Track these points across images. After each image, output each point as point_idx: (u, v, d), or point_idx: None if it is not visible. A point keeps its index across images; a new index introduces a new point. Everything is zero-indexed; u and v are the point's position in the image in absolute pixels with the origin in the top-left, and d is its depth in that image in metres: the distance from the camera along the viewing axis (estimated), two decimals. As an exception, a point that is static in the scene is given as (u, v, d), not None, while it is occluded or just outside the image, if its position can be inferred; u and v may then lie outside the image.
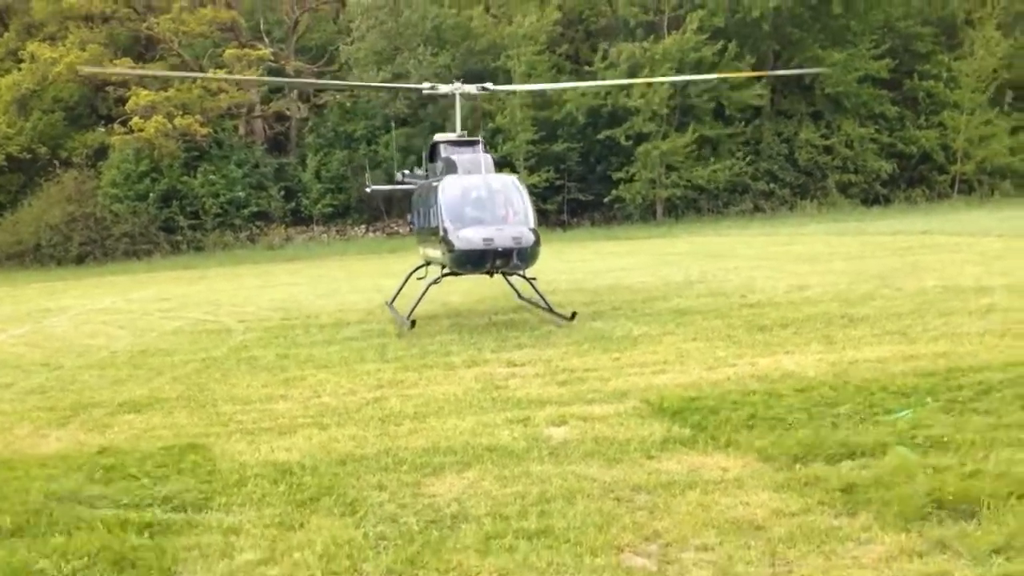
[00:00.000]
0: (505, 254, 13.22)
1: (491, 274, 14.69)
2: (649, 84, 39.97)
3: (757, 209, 43.17)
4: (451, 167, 14.79)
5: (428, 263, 16.14)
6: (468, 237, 13.17)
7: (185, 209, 42.60)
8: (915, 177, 44.79)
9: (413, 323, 14.27)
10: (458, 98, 16.17)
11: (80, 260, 40.92)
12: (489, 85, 17.28)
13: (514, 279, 16.36)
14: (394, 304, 16.79)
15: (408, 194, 18.96)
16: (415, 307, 14.71)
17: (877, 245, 23.78)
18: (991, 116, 43.25)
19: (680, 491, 5.93)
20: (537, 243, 13.52)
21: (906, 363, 9.36)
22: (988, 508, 5.16)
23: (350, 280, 24.77)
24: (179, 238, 42.59)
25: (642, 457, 6.75)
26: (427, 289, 15.02)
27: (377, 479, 6.59)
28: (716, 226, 38.31)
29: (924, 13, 45.11)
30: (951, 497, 5.39)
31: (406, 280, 16.95)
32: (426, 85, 16.86)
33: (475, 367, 10.99)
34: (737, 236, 32.55)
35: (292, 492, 6.39)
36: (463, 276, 14.93)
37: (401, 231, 44.93)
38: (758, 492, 5.83)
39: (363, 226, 45.62)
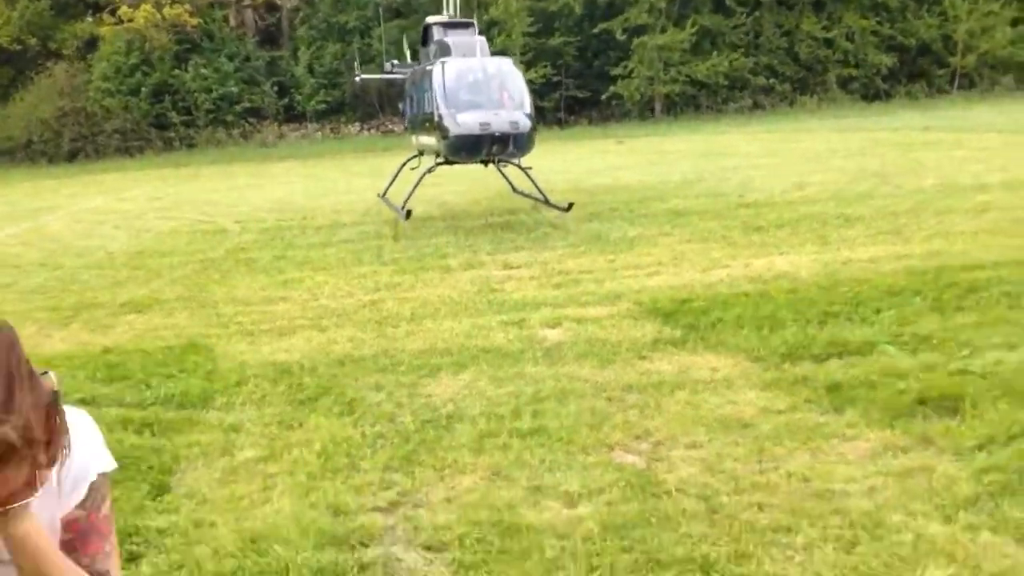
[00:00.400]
0: (502, 140, 13.01)
1: (487, 163, 14.53)
2: None
3: (756, 106, 42.63)
4: (445, 50, 14.39)
5: (421, 152, 15.97)
6: (464, 122, 12.91)
7: (177, 105, 42.02)
8: (916, 71, 44.09)
9: (409, 212, 14.24)
10: None
11: (71, 157, 40.58)
12: None
13: (508, 170, 16.23)
14: (387, 196, 16.75)
15: (399, 86, 18.68)
16: (410, 196, 14.66)
17: (877, 142, 23.59)
18: (993, 6, 42.27)
19: (670, 391, 6.06)
20: (534, 129, 13.39)
21: (898, 262, 9.43)
22: (972, 406, 5.29)
23: (345, 180, 24.65)
24: (171, 135, 42.13)
25: (634, 358, 6.87)
26: (421, 178, 14.94)
27: (375, 380, 6.72)
28: (715, 124, 37.89)
29: None
30: (936, 395, 5.51)
31: (399, 171, 16.87)
32: None
33: (471, 269, 11.06)
34: (736, 134, 32.23)
35: (292, 392, 6.52)
36: (458, 166, 14.83)
37: (396, 129, 44.26)
38: (746, 391, 5.96)
39: (357, 123, 45.08)
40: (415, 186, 14.87)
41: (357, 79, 21.58)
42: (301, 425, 5.84)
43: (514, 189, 16.75)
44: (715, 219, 13.44)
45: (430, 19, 16.31)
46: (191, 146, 41.69)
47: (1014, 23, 42.78)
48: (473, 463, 5.04)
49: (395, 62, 20.70)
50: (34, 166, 39.35)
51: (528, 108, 13.56)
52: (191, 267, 12.34)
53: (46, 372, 1.53)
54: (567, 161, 24.88)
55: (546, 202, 14.95)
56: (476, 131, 12.90)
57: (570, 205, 14.41)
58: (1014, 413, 5.13)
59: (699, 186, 17.56)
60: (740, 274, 9.57)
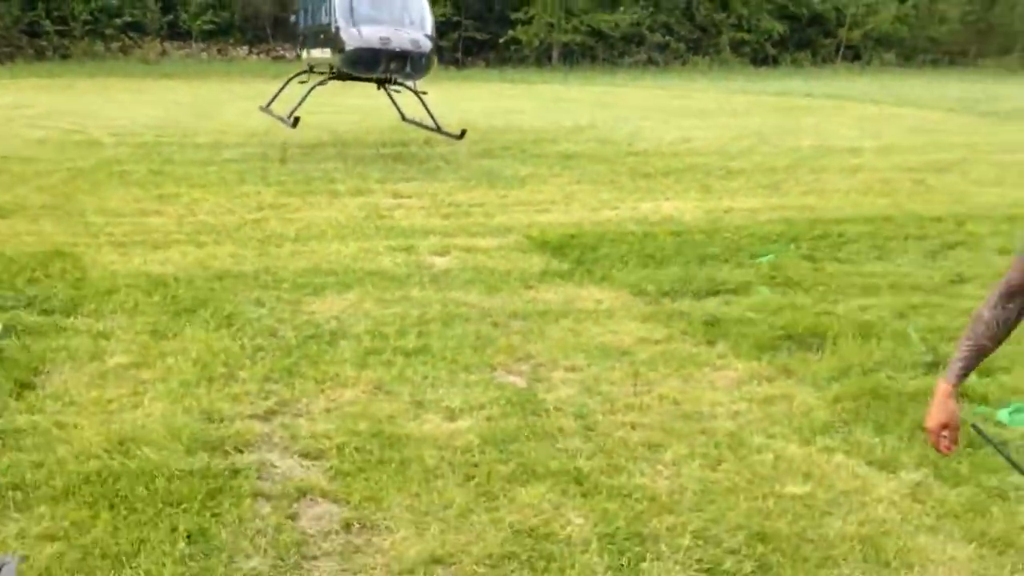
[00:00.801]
0: (401, 56, 12.72)
1: (381, 83, 14.18)
2: None
3: (651, 62, 43.17)
4: None
5: (311, 68, 15.49)
6: (364, 34, 12.57)
7: (52, 13, 39.40)
8: (804, 40, 45.48)
9: (296, 120, 13.86)
10: None
11: (-68, 62, 37.65)
12: None
13: (401, 98, 15.94)
14: (270, 108, 16.22)
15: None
16: (298, 105, 14.24)
17: (761, 104, 24.30)
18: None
19: (554, 319, 6.15)
20: (434, 52, 13.18)
21: (774, 212, 9.80)
22: (833, 341, 5.58)
23: (231, 102, 23.74)
24: (44, 43, 39.57)
25: (520, 287, 6.93)
26: (312, 88, 14.54)
27: (256, 295, 6.57)
28: (610, 76, 38.18)
29: None
30: (800, 331, 5.80)
31: (284, 85, 16.36)
32: None
33: (360, 196, 10.88)
34: (630, 87, 32.59)
35: (166, 303, 6.31)
36: (354, 92, 14.46)
37: (287, 55, 42.84)
38: (627, 322, 6.11)
39: (246, 47, 43.41)
40: (304, 96, 14.46)
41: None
42: (176, 336, 5.66)
43: (403, 117, 16.43)
44: (604, 163, 13.61)
45: None
46: (65, 57, 39.26)
47: (899, 2, 44.52)
48: (355, 377, 5.01)
49: None
50: None
51: (429, 30, 13.30)
52: (59, 176, 11.69)
53: None
54: (462, 100, 24.64)
55: (438, 130, 14.78)
56: (375, 45, 12.54)
57: (463, 132, 14.31)
58: (868, 350, 5.44)
59: (590, 132, 17.73)
60: (627, 216, 9.75)
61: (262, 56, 42.94)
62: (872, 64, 43.82)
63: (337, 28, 12.85)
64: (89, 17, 39.71)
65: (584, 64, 42.56)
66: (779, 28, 44.12)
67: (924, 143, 15.72)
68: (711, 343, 5.71)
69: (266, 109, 16.26)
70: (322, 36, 13.65)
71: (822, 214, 9.73)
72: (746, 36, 44.15)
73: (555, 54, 42.80)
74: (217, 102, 23.95)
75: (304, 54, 15.54)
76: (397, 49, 12.61)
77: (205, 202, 10.19)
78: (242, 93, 26.99)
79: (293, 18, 16.74)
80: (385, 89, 15.51)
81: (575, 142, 16.21)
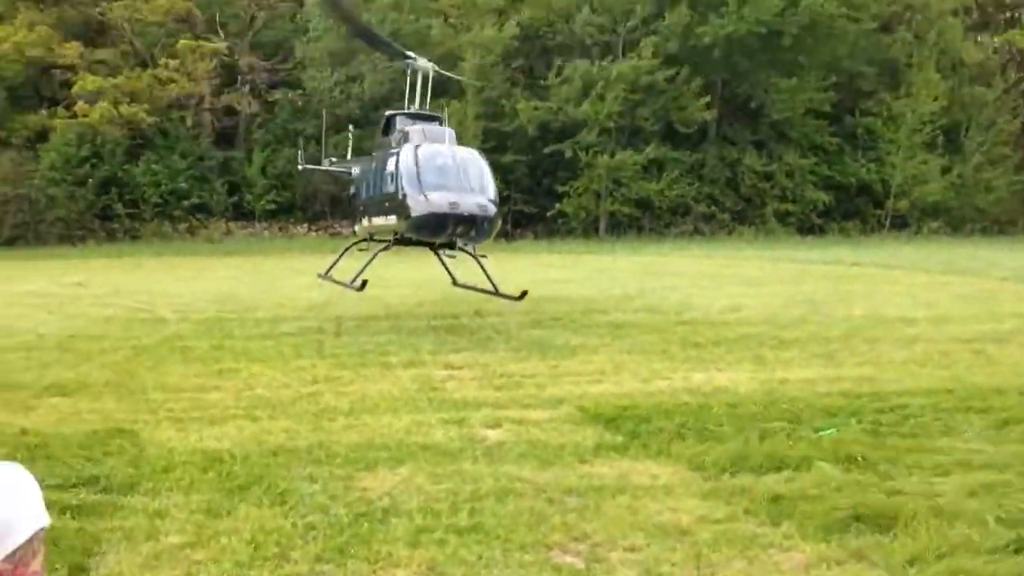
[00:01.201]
0: (468, 221, 13.02)
1: (447, 245, 14.48)
2: (602, 97, 40.60)
3: (697, 232, 43.91)
4: (413, 136, 14.47)
5: (370, 236, 15.82)
6: (433, 200, 12.95)
7: (124, 197, 41.72)
8: (850, 210, 46.03)
9: (364, 283, 14.10)
10: (420, 73, 15.93)
11: (11, 243, 39.75)
12: (464, 78, 17.35)
13: (454, 264, 16.32)
14: (329, 274, 16.65)
15: (342, 180, 19.01)
16: (363, 269, 14.45)
17: (810, 273, 24.38)
18: (927, 156, 44.65)
19: (610, 495, 6.01)
20: (498, 216, 13.56)
21: (832, 385, 9.63)
22: (905, 523, 5.34)
23: (290, 277, 24.51)
24: (116, 226, 41.71)
25: (575, 461, 6.83)
26: (376, 253, 14.88)
27: (308, 471, 6.55)
28: (657, 245, 38.82)
29: (868, 54, 46.40)
30: (870, 512, 5.56)
31: (342, 253, 16.88)
32: (411, 55, 16.39)
33: (412, 368, 10.99)
34: (676, 256, 33.04)
35: (221, 480, 6.32)
36: (403, 258, 14.83)
37: (344, 232, 44.47)
38: (686, 499, 5.94)
39: (305, 224, 45.24)
40: (369, 261, 14.80)
41: (300, 168, 22.25)
42: (230, 513, 5.64)
43: (455, 282, 16.74)
44: (654, 333, 13.63)
45: (392, 111, 16.54)
46: (135, 238, 41.25)
47: (944, 172, 45.10)
48: (408, 557, 4.91)
49: (333, 159, 21.41)
50: (-29, 249, 38.48)
51: (493, 195, 13.74)
52: (123, 353, 12.04)
53: None
54: (512, 272, 25.09)
55: (496, 292, 15.03)
56: (444, 209, 12.89)
57: (523, 293, 14.52)
58: (943, 533, 5.19)
59: (639, 301, 17.86)
60: (680, 386, 9.66)
61: (320, 233, 44.63)
62: (920, 233, 44.04)
63: (404, 195, 13.28)
64: (159, 200, 41.92)
65: (631, 235, 43.43)
66: (824, 198, 44.82)
67: (979, 313, 15.52)
68: (775, 523, 5.50)
69: (325, 276, 16.75)
70: (386, 204, 14.05)
71: (881, 386, 9.53)
72: (791, 207, 44.87)
73: (602, 225, 43.83)
74: (276, 277, 24.77)
75: (363, 224, 15.91)
76: (465, 213, 12.96)
77: (262, 376, 10.36)
78: (300, 268, 27.91)
79: (352, 190, 17.38)
80: (438, 255, 15.96)
81: (624, 311, 16.33)
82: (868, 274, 23.79)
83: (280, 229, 44.72)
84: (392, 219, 14.01)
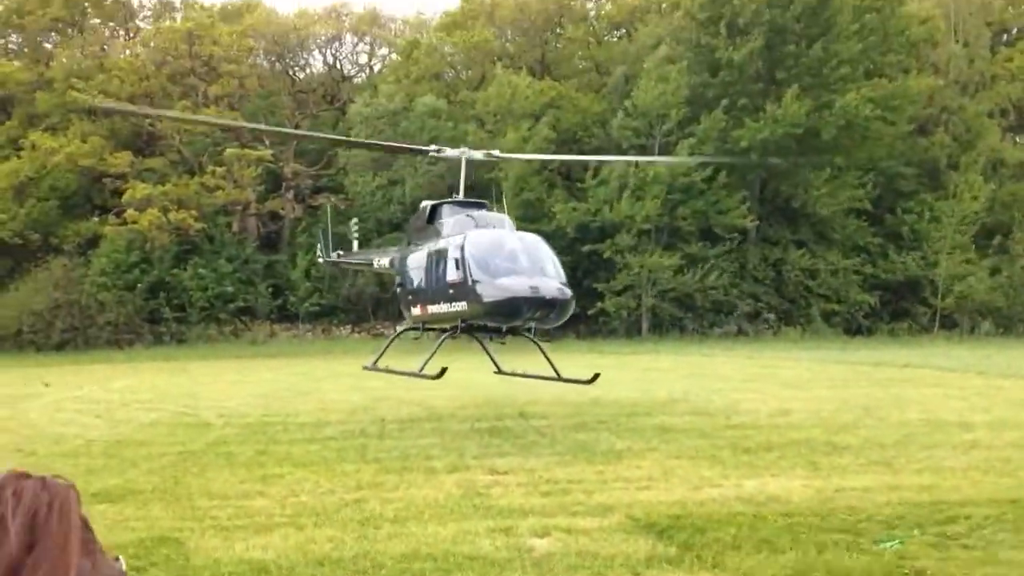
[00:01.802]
0: (548, 304, 12.90)
1: (515, 331, 14.17)
2: (639, 198, 41.01)
3: (741, 332, 43.51)
4: (471, 222, 14.39)
5: (423, 325, 15.51)
6: (512, 284, 12.82)
7: (171, 301, 42.51)
8: (898, 310, 45.41)
9: (443, 370, 13.79)
10: (464, 162, 15.96)
11: (60, 347, 40.48)
12: (496, 152, 17.25)
13: (499, 355, 16.21)
14: (377, 364, 16.38)
15: (381, 277, 19.17)
16: (431, 358, 14.24)
17: (860, 375, 23.91)
18: (972, 256, 44.17)
19: (665, 610, 5.79)
20: (573, 300, 13.40)
21: (891, 493, 9.30)
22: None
23: (332, 379, 24.59)
24: (163, 329, 42.40)
25: (627, 573, 6.62)
26: (442, 342, 14.63)
27: (355, 583, 6.41)
28: (700, 346, 38.47)
29: (906, 155, 46.56)
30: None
31: (390, 342, 16.77)
32: (433, 147, 16.65)
33: (456, 472, 10.84)
34: (721, 357, 32.66)
35: (267, 592, 6.20)
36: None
37: (386, 332, 44.82)
38: (745, 615, 5.70)
39: (349, 326, 45.65)
40: (435, 349, 14.60)
41: (320, 260, 22.89)
42: (275, 628, 5.50)
43: (499, 369, 16.56)
44: (702, 437, 13.36)
45: (429, 203, 16.36)
46: (181, 341, 41.85)
47: (992, 272, 44.51)
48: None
49: (340, 252, 22.11)
50: (22, 354, 39.15)
51: (565, 279, 13.66)
52: (169, 458, 12.05)
53: (117, 558, 1.46)
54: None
55: (558, 377, 14.85)
56: (525, 293, 12.74)
57: (595, 376, 14.26)
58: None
59: (685, 404, 17.59)
60: (732, 494, 9.40)
61: (363, 334, 44.97)
62: (972, 333, 43.20)
63: (476, 281, 13.13)
64: (205, 304, 42.67)
65: (673, 334, 43.14)
66: (869, 299, 44.32)
67: (1039, 416, 15.06)
68: (841, 641, 5.24)
69: (373, 367, 16.54)
70: (450, 291, 13.79)
71: (942, 495, 9.19)
72: (837, 307, 44.37)
73: (644, 325, 43.64)
74: (320, 379, 24.85)
75: (414, 312, 15.50)
76: (547, 297, 12.85)
77: (306, 482, 10.28)
78: (343, 370, 28.01)
79: (398, 280, 16.72)
80: (483, 343, 15.84)
81: (670, 414, 16.08)
82: (920, 376, 23.27)
83: (323, 331, 45.17)
84: (457, 306, 13.73)
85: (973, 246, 44.61)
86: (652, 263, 42.11)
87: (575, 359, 31.74)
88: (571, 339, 42.85)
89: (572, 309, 13.52)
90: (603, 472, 10.76)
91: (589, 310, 43.47)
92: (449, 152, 16.18)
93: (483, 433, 14.12)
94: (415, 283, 15.43)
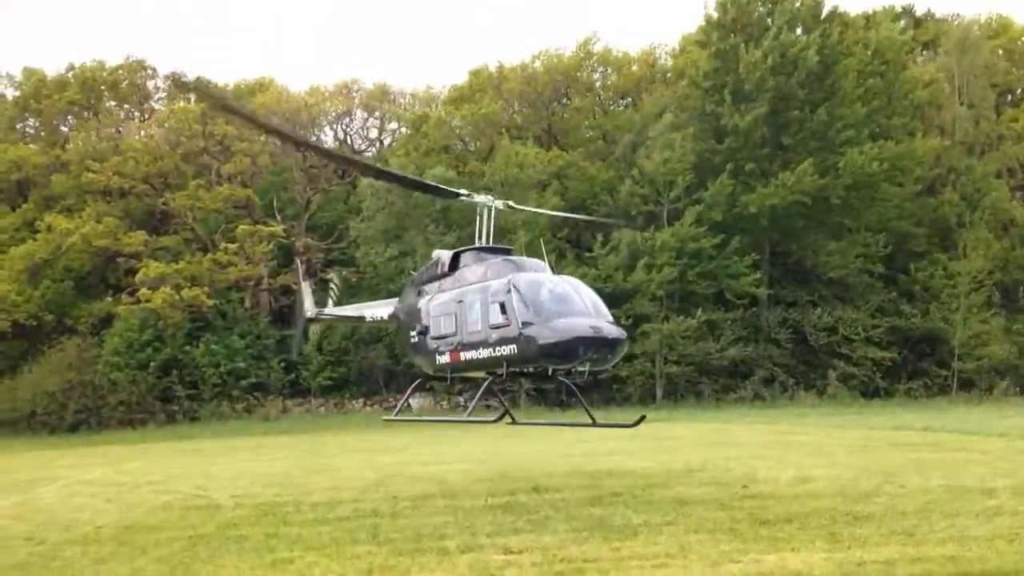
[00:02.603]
0: (610, 345, 12.79)
1: (568, 372, 13.70)
2: (650, 266, 41.03)
3: (757, 397, 43.03)
4: (508, 267, 14.25)
5: (450, 373, 14.99)
6: (570, 326, 12.69)
7: (184, 379, 42.44)
8: (915, 371, 44.92)
9: (642, 418, 14.09)
10: (488, 212, 15.76)
11: (74, 428, 40.38)
12: (512, 203, 16.95)
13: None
14: (400, 414, 16.34)
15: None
16: (475, 404, 14.55)
17: (879, 439, 23.55)
18: (987, 315, 43.85)
19: None
20: (628, 340, 13.29)
21: (914, 566, 9.09)
22: None
23: (345, 455, 24.41)
24: (175, 408, 42.27)
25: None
26: (486, 385, 14.47)
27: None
28: (716, 412, 38.08)
29: (916, 215, 46.65)
30: None
31: (409, 393, 16.91)
32: (464, 192, 16.38)
33: (470, 553, 10.65)
34: (738, 423, 32.30)
35: None
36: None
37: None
38: None
39: (361, 400, 45.49)
40: (479, 395, 14.66)
41: (308, 315, 22.01)
42: None
43: (514, 420, 16.52)
44: (720, 509, 13.12)
45: (440, 252, 16.16)
46: (194, 419, 41.67)
47: (1007, 331, 44.14)
48: None
49: (321, 310, 21.62)
50: (35, 436, 39.09)
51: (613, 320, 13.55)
52: (179, 544, 11.90)
53: None
54: (568, 443, 24.74)
55: (595, 423, 14.72)
56: (587, 334, 12.64)
57: (641, 419, 14.07)
58: None
59: (702, 474, 17.32)
60: (752, 570, 9.19)
61: (375, 407, 44.80)
62: (989, 394, 42.64)
63: (527, 323, 12.99)
64: (219, 380, 42.59)
65: (689, 399, 42.74)
66: (887, 355, 43.83)
67: (1062, 480, 14.74)
68: None
69: (394, 418, 16.71)
70: (493, 336, 13.53)
71: (967, 566, 8.97)
72: (854, 369, 43.92)
73: (659, 392, 43.28)
74: (332, 455, 24.66)
75: (440, 361, 14.92)
76: (609, 337, 12.76)
77: (316, 567, 10.12)
78: (356, 446, 27.86)
79: (416, 329, 15.76)
80: (497, 395, 15.61)
81: (687, 485, 15.82)
82: (940, 440, 22.89)
83: (336, 405, 45.00)
84: (503, 350, 13.41)
85: (990, 308, 44.31)
86: (669, 329, 41.92)
87: (590, 430, 31.45)
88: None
89: (626, 350, 13.27)
90: (619, 549, 10.55)
91: (603, 376, 43.20)
92: (478, 198, 15.84)
93: (497, 509, 13.91)
94: (443, 330, 14.92)
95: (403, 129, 54.74)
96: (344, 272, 46.74)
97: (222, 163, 46.57)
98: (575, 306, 13.15)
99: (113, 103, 50.98)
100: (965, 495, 13.61)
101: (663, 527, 11.92)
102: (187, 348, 42.85)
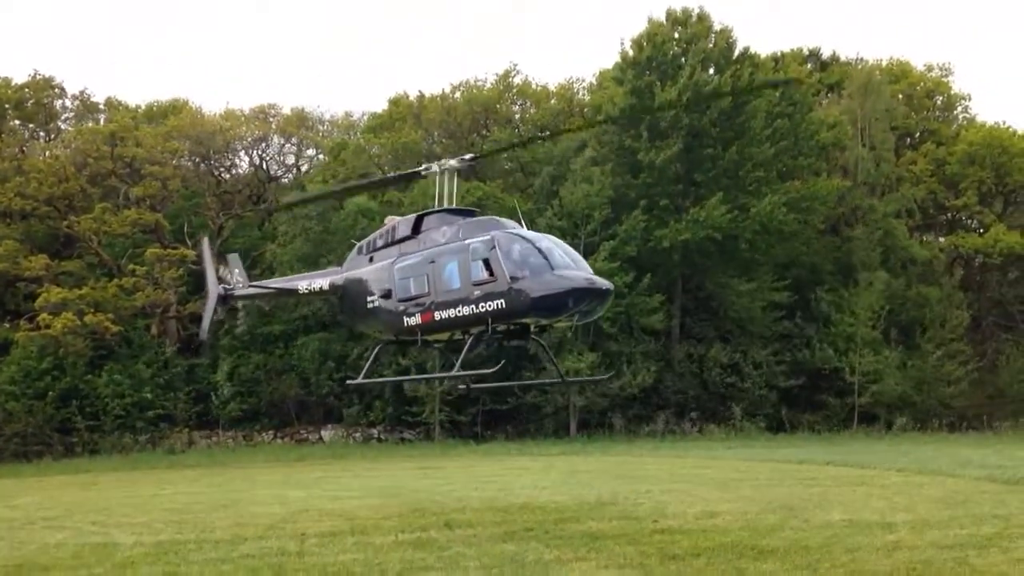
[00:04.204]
0: (602, 295, 13.03)
1: (544, 329, 14.14)
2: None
3: (668, 430, 43.63)
4: (488, 225, 14.25)
5: (420, 334, 14.81)
6: (565, 277, 12.86)
7: (84, 409, 40.63)
8: (817, 405, 46.16)
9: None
10: (447, 175, 15.57)
11: (-35, 462, 38.33)
12: (465, 156, 16.59)
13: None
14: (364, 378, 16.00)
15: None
16: (461, 360, 14.17)
17: (784, 473, 24.10)
18: (884, 350, 45.39)
19: None
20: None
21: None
22: None
23: (252, 490, 23.76)
24: (74, 440, 40.44)
25: None
26: (470, 344, 14.33)
27: None
28: (628, 445, 38.47)
29: (821, 253, 48.48)
30: None
31: (373, 356, 16.29)
32: (423, 167, 15.96)
33: (378, 594, 10.44)
34: (649, 456, 32.70)
35: None
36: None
37: (310, 437, 43.87)
38: None
39: (271, 432, 44.42)
40: (464, 351, 14.29)
41: (219, 291, 19.09)
42: None
43: (468, 387, 17.22)
44: (631, 544, 13.21)
45: (400, 217, 16.14)
46: (94, 452, 39.84)
47: (902, 366, 45.75)
48: None
49: (236, 285, 19.10)
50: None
51: None
52: (71, 585, 11.36)
53: None
54: (484, 479, 24.58)
55: (563, 380, 14.91)
56: (583, 284, 12.83)
57: (612, 375, 14.31)
58: None
59: (613, 508, 17.43)
60: (659, 609, 9.24)
61: (286, 440, 43.87)
62: (889, 429, 44.12)
63: (517, 278, 13.15)
64: (122, 412, 40.88)
65: (601, 434, 43.05)
66: (791, 389, 45.10)
67: (958, 516, 15.27)
68: None
69: (362, 381, 16.21)
70: (475, 293, 13.59)
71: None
72: (759, 403, 44.94)
73: (572, 424, 43.46)
74: (238, 490, 23.99)
75: (409, 323, 14.73)
76: (602, 288, 12.99)
77: (216, 610, 9.77)
78: (264, 479, 27.19)
79: (376, 295, 15.31)
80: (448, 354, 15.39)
81: (599, 519, 15.90)
82: (843, 475, 23.54)
83: (244, 437, 43.79)
84: (487, 306, 13.48)
85: (884, 341, 45.96)
86: (575, 364, 41.88)
87: (504, 463, 31.43)
88: (500, 439, 42.48)
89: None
90: (530, 588, 10.49)
91: (518, 400, 43.24)
92: (434, 167, 15.72)
93: (407, 546, 13.72)
94: (412, 291, 14.77)
95: (321, 156, 54.28)
96: (256, 300, 45.84)
97: (131, 186, 45.24)
98: (561, 260, 13.44)
99: (17, 122, 49.17)
100: (866, 529, 14.00)
101: (575, 563, 11.94)
102: (88, 377, 41.20)
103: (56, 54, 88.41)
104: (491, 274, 13.48)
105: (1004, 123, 54.85)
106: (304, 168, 55.66)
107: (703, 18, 46.50)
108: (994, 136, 52.43)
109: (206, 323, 21.48)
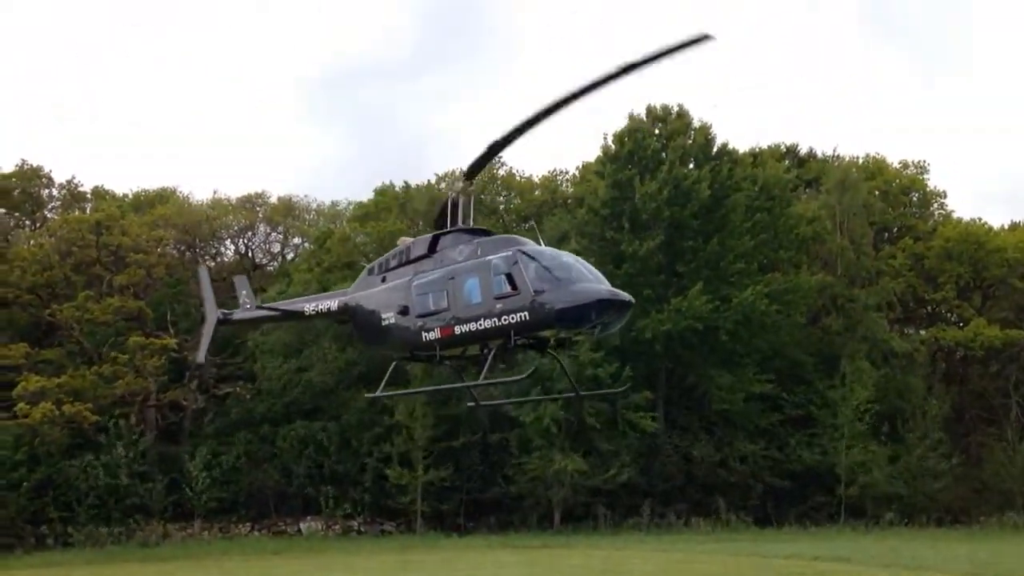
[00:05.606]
0: (626, 306, 13.39)
1: (563, 342, 14.37)
2: (539, 403, 40.42)
3: (653, 522, 43.01)
4: (509, 243, 14.63)
5: (438, 348, 15.05)
6: (589, 289, 13.29)
7: (58, 500, 39.68)
8: (804, 497, 45.75)
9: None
10: (460, 199, 15.96)
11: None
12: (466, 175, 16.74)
13: None
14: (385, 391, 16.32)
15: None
16: (486, 367, 14.28)
17: (772, 569, 23.79)
18: (870, 444, 45.15)
19: None
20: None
21: None
22: None
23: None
24: (46, 531, 39.40)
25: None
26: (492, 353, 14.47)
27: None
28: (613, 539, 37.87)
29: (803, 345, 48.57)
30: None
31: (391, 370, 16.25)
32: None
33: None
34: (635, 550, 32.18)
35: None
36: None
37: (288, 529, 42.97)
38: None
39: (249, 523, 43.43)
40: (488, 360, 14.41)
41: (218, 315, 19.32)
42: None
43: (477, 404, 16.97)
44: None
45: (413, 239, 16.50)
46: (67, 544, 38.73)
47: (891, 460, 45.50)
48: None
49: (234, 311, 19.43)
50: None
51: None
52: None
53: None
54: (462, 574, 24.08)
55: (579, 396, 15.27)
56: (606, 296, 13.19)
57: (625, 388, 14.30)
58: None
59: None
60: None
61: (264, 532, 42.89)
62: (876, 523, 43.64)
63: (538, 291, 13.47)
64: (95, 501, 39.95)
65: (586, 525, 42.41)
66: (778, 485, 44.68)
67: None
68: None
69: (379, 395, 16.45)
70: (498, 306, 13.91)
71: None
72: (746, 496, 44.56)
73: (556, 517, 42.81)
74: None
75: (428, 337, 15.00)
76: (625, 299, 13.33)
77: None
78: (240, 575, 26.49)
79: (393, 311, 15.62)
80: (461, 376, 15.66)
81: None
82: (829, 570, 23.29)
83: (221, 529, 42.71)
84: (510, 319, 13.83)
85: (872, 435, 45.79)
86: (562, 465, 41.39)
87: (485, 555, 30.83)
88: (483, 532, 41.75)
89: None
90: None
91: (502, 491, 42.70)
92: (453, 192, 16.21)
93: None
94: (431, 307, 15.08)
95: (307, 244, 54.56)
96: (239, 387, 45.45)
97: (115, 274, 45.16)
98: (582, 274, 13.90)
99: (3, 211, 49.34)
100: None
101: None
102: (62, 464, 40.21)
103: (45, 142, 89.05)
104: (514, 288, 13.91)
105: (980, 219, 56.11)
106: (290, 256, 55.90)
107: (682, 115, 47.74)
108: (970, 232, 53.51)
109: (203, 347, 21.65)
